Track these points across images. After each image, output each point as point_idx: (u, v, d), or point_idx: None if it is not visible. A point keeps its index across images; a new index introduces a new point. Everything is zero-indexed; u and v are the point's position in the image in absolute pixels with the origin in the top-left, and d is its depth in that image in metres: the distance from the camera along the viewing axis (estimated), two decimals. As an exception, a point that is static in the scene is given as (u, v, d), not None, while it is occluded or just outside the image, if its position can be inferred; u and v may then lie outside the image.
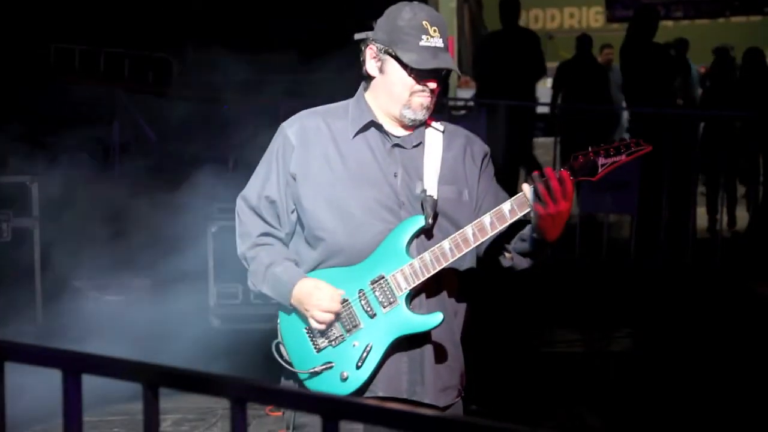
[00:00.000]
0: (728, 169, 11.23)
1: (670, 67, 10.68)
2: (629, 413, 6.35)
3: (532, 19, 23.63)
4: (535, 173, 3.13)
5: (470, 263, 3.36)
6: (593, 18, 22.94)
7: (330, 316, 3.23)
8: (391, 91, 3.29)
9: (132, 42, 11.65)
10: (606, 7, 18.76)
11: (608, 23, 19.59)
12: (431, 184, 3.29)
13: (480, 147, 3.46)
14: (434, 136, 3.37)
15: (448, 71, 3.31)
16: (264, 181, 3.40)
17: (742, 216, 11.52)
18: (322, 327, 3.25)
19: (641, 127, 10.10)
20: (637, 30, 10.48)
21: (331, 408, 1.84)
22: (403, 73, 3.25)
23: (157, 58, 12.33)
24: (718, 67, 12.26)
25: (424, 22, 3.23)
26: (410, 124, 3.32)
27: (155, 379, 2.02)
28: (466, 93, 12.43)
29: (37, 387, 4.15)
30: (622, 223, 11.13)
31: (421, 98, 3.27)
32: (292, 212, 3.37)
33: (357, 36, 3.35)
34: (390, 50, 3.25)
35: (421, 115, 3.30)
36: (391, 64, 3.27)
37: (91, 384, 2.13)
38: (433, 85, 3.27)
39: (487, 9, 21.36)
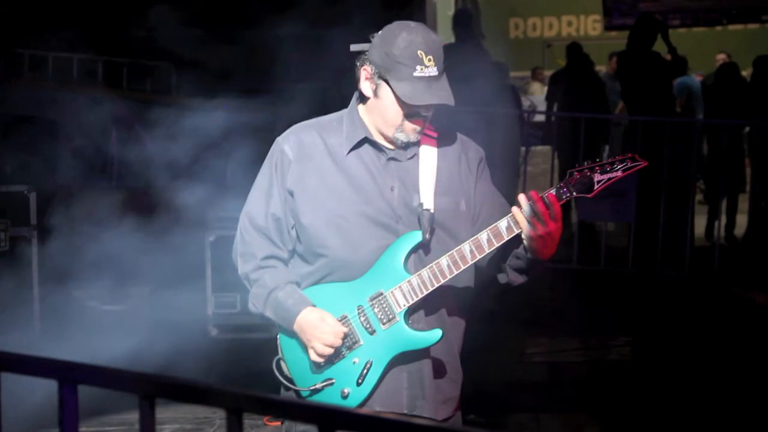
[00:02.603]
0: (730, 177, 11.23)
1: (669, 75, 10.68)
2: (628, 422, 6.34)
3: (530, 27, 23.68)
4: (522, 196, 3.14)
5: (468, 279, 3.35)
6: (591, 26, 22.98)
7: (331, 351, 3.23)
8: (385, 115, 3.27)
9: (131, 51, 11.66)
10: (604, 15, 18.76)
11: (606, 31, 19.59)
12: (428, 196, 3.28)
13: (475, 152, 3.45)
14: (429, 146, 3.36)
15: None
16: (267, 198, 3.37)
17: (743, 224, 11.52)
18: (322, 360, 3.25)
19: (640, 135, 10.10)
20: (638, 38, 10.49)
21: (327, 418, 1.84)
22: (396, 102, 3.23)
23: (155, 66, 12.34)
24: (723, 75, 12.22)
25: (419, 52, 3.18)
26: (402, 146, 3.32)
27: (151, 390, 2.02)
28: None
29: (33, 397, 4.15)
30: (621, 231, 11.13)
31: (414, 124, 3.26)
32: (292, 228, 3.36)
33: (353, 48, 3.34)
34: (384, 77, 3.23)
35: (414, 138, 3.29)
36: (385, 90, 3.24)
37: (87, 394, 2.13)
38: (426, 113, 3.26)
39: (484, 16, 21.39)
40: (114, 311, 7.86)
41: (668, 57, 10.61)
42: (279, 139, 3.41)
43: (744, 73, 13.10)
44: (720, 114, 11.42)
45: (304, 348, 3.31)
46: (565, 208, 10.75)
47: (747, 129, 12.08)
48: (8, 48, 11.35)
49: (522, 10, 23.68)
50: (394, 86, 3.20)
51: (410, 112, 3.24)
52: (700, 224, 11.11)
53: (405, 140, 3.29)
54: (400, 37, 3.22)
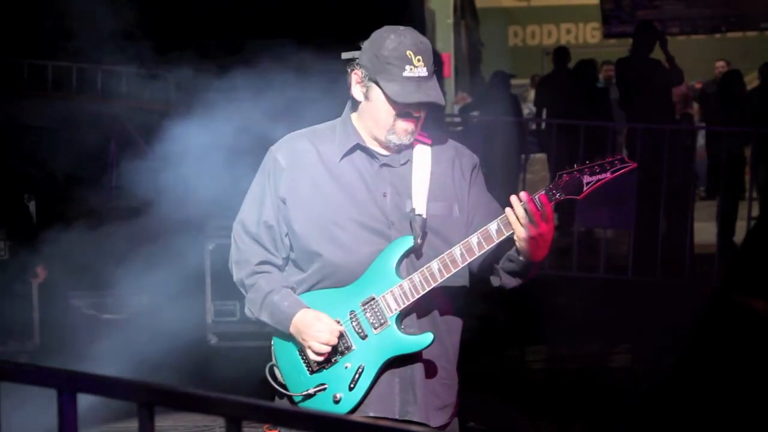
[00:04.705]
0: (731, 184, 11.23)
1: (668, 82, 10.69)
2: (627, 429, 6.33)
3: (529, 35, 23.72)
4: (514, 198, 3.15)
5: (462, 281, 3.36)
6: (590, 34, 23.01)
7: (328, 348, 3.24)
8: (376, 117, 3.29)
9: (129, 59, 11.68)
10: (602, 23, 18.80)
11: (605, 39, 19.64)
12: (420, 202, 3.29)
13: (469, 159, 3.46)
14: (422, 152, 3.37)
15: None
16: (260, 206, 3.40)
17: (742, 231, 11.51)
18: (320, 359, 3.26)
19: (639, 142, 10.11)
20: (637, 45, 10.52)
21: (326, 426, 1.85)
22: (387, 103, 3.25)
23: (153, 74, 12.35)
24: (726, 83, 12.20)
25: (408, 52, 3.22)
26: (395, 148, 3.33)
27: (150, 398, 2.02)
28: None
29: (33, 405, 4.15)
30: (620, 238, 11.12)
31: (406, 124, 3.28)
32: (286, 235, 3.38)
33: (344, 56, 3.36)
34: (374, 79, 3.26)
35: (406, 139, 3.30)
36: (376, 92, 3.27)
37: (87, 402, 2.13)
38: (417, 114, 3.28)
39: (483, 24, 21.43)
40: (113, 320, 7.86)
41: (667, 65, 10.63)
42: (272, 147, 3.44)
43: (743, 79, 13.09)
44: (722, 121, 11.41)
45: (298, 354, 3.33)
46: (566, 215, 10.85)
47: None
48: (8, 58, 11.37)
49: (521, 18, 23.71)
50: (384, 86, 3.23)
51: (401, 112, 3.25)
52: (699, 230, 11.09)
53: (397, 142, 3.30)
54: (389, 39, 3.26)
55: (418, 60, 3.23)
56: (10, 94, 10.93)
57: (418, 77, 3.22)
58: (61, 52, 11.66)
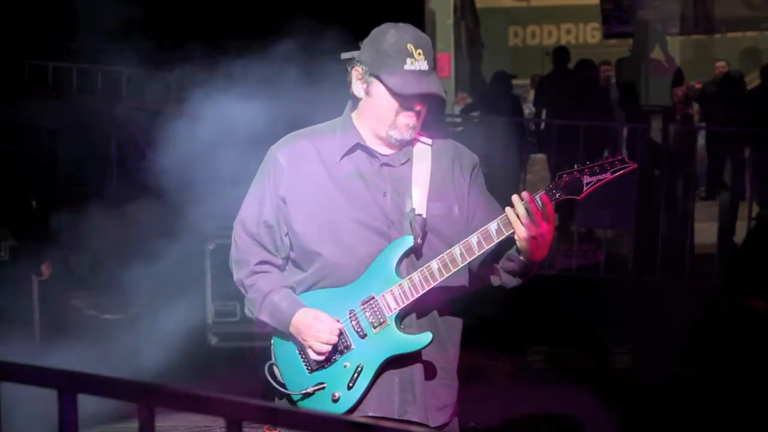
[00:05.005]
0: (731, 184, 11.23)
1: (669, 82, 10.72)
2: (628, 429, 6.34)
3: (529, 35, 23.70)
4: (515, 197, 3.15)
5: (462, 281, 3.35)
6: (590, 34, 23.00)
7: (328, 348, 3.24)
8: (377, 113, 3.29)
9: (129, 59, 11.69)
10: (602, 23, 18.80)
11: (605, 39, 19.63)
12: (420, 202, 3.29)
13: (469, 158, 3.45)
14: (422, 152, 3.37)
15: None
16: (260, 206, 3.40)
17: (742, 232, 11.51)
18: (321, 358, 3.26)
19: (639, 141, 10.13)
20: (638, 45, 10.56)
21: (326, 426, 1.84)
22: (388, 96, 3.25)
23: (153, 74, 12.36)
24: (726, 83, 12.21)
25: (408, 46, 3.22)
26: (396, 144, 3.33)
27: (150, 398, 2.02)
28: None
29: (33, 406, 4.15)
30: (621, 239, 11.13)
31: (407, 119, 3.27)
32: (286, 235, 3.38)
33: (344, 55, 3.36)
34: (375, 73, 3.26)
35: (408, 135, 3.30)
36: (377, 87, 3.27)
37: (87, 403, 2.13)
38: (418, 107, 3.28)
39: (483, 24, 21.42)
40: (113, 320, 7.86)
41: (666, 65, 10.65)
42: (272, 147, 3.44)
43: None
44: (722, 121, 11.42)
45: (297, 353, 3.33)
46: (566, 215, 10.86)
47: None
48: (8, 58, 11.38)
49: (521, 19, 23.69)
50: (385, 80, 3.23)
51: (403, 106, 3.25)
52: (700, 230, 11.10)
53: (399, 138, 3.30)
54: (389, 33, 3.27)
55: (419, 53, 3.23)
56: (10, 94, 10.93)
57: (419, 70, 3.23)
58: (61, 52, 11.66)
